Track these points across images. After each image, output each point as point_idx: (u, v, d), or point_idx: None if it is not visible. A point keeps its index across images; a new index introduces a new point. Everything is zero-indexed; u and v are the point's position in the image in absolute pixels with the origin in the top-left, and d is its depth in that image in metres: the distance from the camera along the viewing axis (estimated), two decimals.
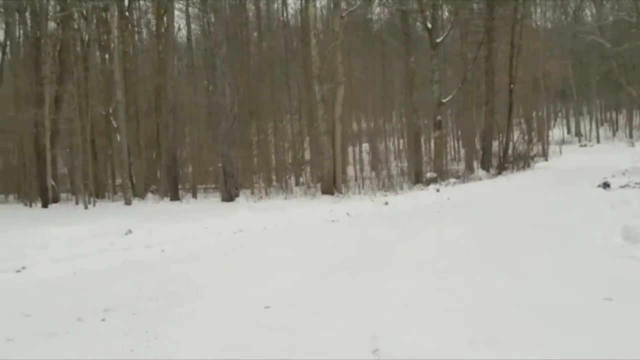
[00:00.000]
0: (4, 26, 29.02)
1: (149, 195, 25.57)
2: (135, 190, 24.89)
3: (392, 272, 7.80)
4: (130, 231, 10.84)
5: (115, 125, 23.67)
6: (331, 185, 20.37)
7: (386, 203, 17.16)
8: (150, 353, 5.15)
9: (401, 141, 40.53)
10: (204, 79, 29.42)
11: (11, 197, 27.40)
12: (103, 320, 6.20)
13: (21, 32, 27.16)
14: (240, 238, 11.71)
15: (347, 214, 15.03)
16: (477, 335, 5.04)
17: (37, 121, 22.06)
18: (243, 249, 10.40)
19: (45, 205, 21.49)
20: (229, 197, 19.84)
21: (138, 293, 7.28)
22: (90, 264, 9.08)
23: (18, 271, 8.51)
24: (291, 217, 13.91)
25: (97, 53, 29.11)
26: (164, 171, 26.26)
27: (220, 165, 19.86)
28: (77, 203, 22.35)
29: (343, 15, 20.75)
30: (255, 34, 36.67)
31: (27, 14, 26.12)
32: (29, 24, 25.76)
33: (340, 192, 20.44)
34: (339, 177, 20.97)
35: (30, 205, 22.22)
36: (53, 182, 23.18)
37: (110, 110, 24.12)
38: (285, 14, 37.48)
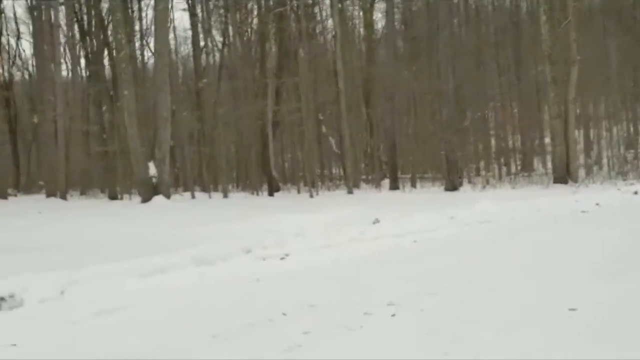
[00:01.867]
0: (219, 26, 30.84)
1: (362, 184, 25.66)
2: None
3: None
4: (377, 220, 10.58)
5: (321, 118, 24.02)
6: (564, 174, 18.81)
7: (636, 192, 15.40)
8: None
9: (617, 127, 36.96)
10: (405, 68, 28.95)
11: (229, 185, 28.97)
12: (393, 315, 5.77)
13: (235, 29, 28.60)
14: (490, 229, 10.91)
15: (597, 204, 13.59)
16: None
17: (263, 113, 22.99)
18: (499, 241, 9.58)
19: (271, 194, 22.37)
20: (452, 186, 19.12)
21: (413, 286, 6.81)
22: (347, 253, 8.84)
23: (282, 258, 8.50)
24: (536, 207, 12.85)
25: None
26: (375, 160, 26.23)
27: (442, 153, 19.23)
28: (298, 192, 23.02)
29: None
30: (456, 20, 35.42)
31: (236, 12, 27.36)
32: (245, 21, 27.03)
33: (575, 181, 18.80)
34: (573, 164, 19.31)
35: (257, 194, 23.27)
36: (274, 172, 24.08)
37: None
38: None
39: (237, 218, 13.06)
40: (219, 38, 34.30)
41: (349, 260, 8.50)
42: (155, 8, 18.49)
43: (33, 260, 8.00)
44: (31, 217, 15.12)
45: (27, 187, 36.95)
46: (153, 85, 20.49)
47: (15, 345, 4.96)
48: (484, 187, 20.13)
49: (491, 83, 32.03)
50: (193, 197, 22.01)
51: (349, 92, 28.45)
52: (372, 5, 29.59)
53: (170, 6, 20.21)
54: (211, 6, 31.43)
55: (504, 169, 28.62)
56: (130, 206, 18.22)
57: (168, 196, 18.71)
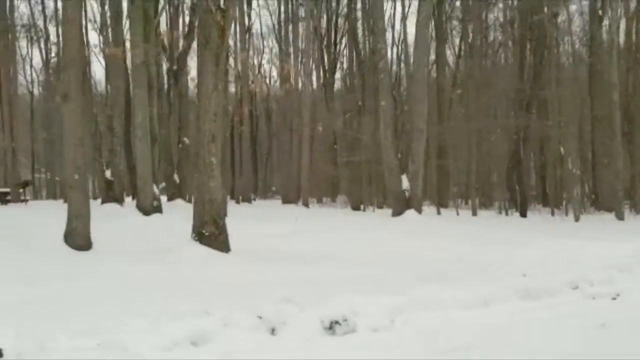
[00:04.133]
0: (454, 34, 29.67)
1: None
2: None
3: None
4: None
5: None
6: None
7: None
8: None
9: None
10: None
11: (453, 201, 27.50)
12: None
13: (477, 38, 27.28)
14: None
15: None
16: None
17: (518, 127, 21.49)
18: None
19: (523, 214, 20.81)
20: None
21: None
22: None
23: (614, 298, 7.16)
24: None
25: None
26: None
27: None
28: (552, 214, 21.16)
29: None
30: None
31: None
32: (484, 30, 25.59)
33: None
34: None
35: (507, 214, 21.81)
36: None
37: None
38: None
39: (519, 242, 11.83)
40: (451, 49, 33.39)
41: None
42: (417, 16, 17.93)
43: (346, 276, 7.54)
44: (296, 223, 15.26)
45: (262, 193, 39.14)
46: (410, 96, 19.91)
47: None
48: None
49: None
50: (438, 212, 21.13)
51: (598, 105, 25.73)
52: (637, 13, 26.55)
53: (430, 14, 19.51)
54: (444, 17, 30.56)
55: None
56: (384, 219, 17.77)
57: (419, 211, 18.00)
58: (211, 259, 8.97)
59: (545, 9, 23.89)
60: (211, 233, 9.72)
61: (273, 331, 5.23)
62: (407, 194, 18.02)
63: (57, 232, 10.63)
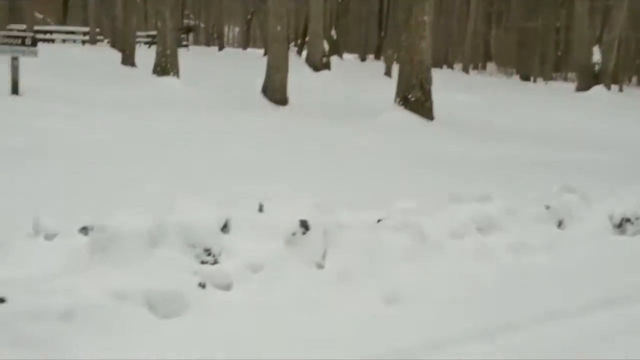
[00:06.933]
0: None
1: None
2: None
3: None
4: None
5: None
6: None
7: None
8: None
9: None
10: None
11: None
12: None
13: None
14: None
15: None
16: None
17: None
18: None
19: None
20: None
21: None
22: None
23: None
24: None
25: None
26: None
27: None
28: None
29: None
30: None
31: None
32: None
33: None
34: None
35: None
36: None
37: None
38: None
39: None
40: None
41: None
42: None
43: (598, 162, 6.71)
44: (473, 93, 14.25)
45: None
46: None
47: None
48: None
49: None
50: (620, 89, 19.06)
51: None
52: None
53: None
54: None
55: None
56: (571, 95, 16.15)
57: (609, 87, 16.26)
58: (421, 127, 8.43)
59: None
60: (417, 98, 9.10)
61: (560, 224, 4.63)
62: (596, 67, 16.29)
63: (246, 82, 10.42)
